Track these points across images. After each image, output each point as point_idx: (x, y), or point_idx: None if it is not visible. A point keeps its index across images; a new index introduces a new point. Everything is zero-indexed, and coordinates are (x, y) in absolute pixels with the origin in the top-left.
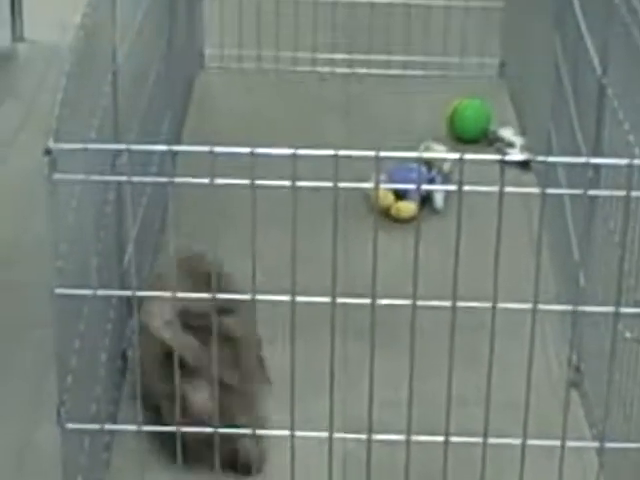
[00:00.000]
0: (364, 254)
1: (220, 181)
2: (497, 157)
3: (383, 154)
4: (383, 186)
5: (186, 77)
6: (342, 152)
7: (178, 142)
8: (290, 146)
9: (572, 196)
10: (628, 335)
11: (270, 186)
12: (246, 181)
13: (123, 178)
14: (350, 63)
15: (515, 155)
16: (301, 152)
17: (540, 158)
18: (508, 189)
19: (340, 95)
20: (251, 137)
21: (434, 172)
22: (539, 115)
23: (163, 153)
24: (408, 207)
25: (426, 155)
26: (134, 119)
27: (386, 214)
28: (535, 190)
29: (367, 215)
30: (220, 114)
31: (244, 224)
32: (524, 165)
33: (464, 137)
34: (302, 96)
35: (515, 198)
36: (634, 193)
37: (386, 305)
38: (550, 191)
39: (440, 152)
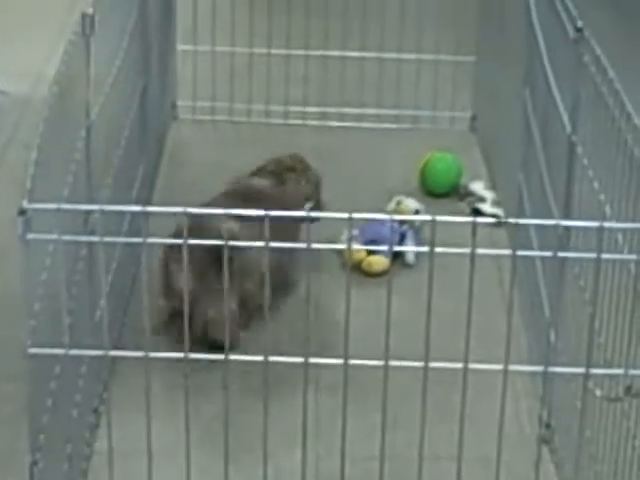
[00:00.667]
0: (337, 309)
1: (194, 242)
2: (469, 219)
3: (356, 215)
4: (354, 247)
5: (159, 128)
6: (313, 214)
7: (151, 195)
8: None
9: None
10: (598, 393)
11: (243, 246)
12: (221, 242)
13: (95, 239)
14: (322, 116)
15: (487, 217)
16: (273, 214)
17: (511, 220)
18: (480, 251)
19: (312, 148)
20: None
21: (406, 227)
22: (509, 169)
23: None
24: (380, 261)
25: (398, 217)
26: (108, 173)
27: (358, 268)
28: (506, 252)
29: (340, 270)
30: (192, 166)
31: None
32: (496, 219)
33: (435, 191)
34: (274, 148)
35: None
36: (604, 256)
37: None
38: (520, 253)
39: (412, 207)
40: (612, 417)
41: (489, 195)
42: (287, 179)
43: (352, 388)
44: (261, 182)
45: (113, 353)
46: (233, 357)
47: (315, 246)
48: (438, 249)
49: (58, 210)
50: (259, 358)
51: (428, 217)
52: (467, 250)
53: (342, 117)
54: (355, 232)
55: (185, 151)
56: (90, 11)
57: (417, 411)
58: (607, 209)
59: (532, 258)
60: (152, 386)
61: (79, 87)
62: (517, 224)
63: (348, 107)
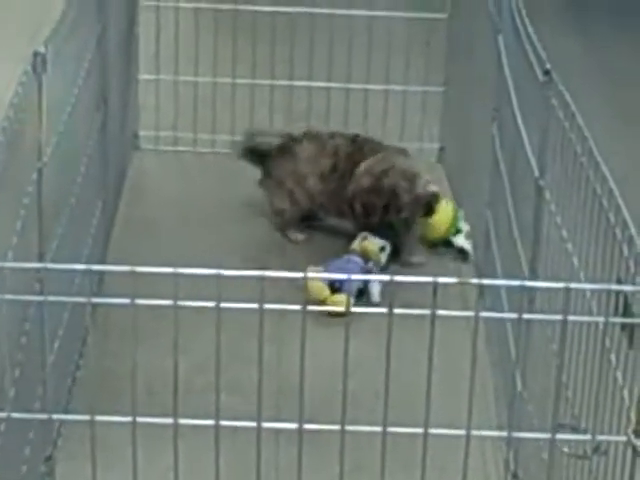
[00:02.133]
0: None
1: (142, 302)
2: (429, 279)
3: (310, 274)
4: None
5: (120, 159)
6: (268, 273)
7: (110, 232)
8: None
9: (510, 303)
10: (565, 450)
11: (194, 307)
12: (169, 302)
13: (39, 298)
14: None
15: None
16: (226, 273)
17: (475, 281)
18: (441, 312)
19: None
20: (185, 226)
21: (371, 263)
22: (477, 203)
23: (89, 259)
24: (343, 300)
25: (359, 277)
26: (63, 212)
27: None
28: (469, 314)
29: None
30: (154, 200)
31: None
32: (464, 254)
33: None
34: (239, 180)
35: (454, 297)
36: (571, 317)
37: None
38: (484, 314)
39: (377, 243)
40: (580, 473)
41: (465, 227)
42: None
43: (308, 440)
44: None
45: (57, 417)
46: (183, 422)
47: (267, 307)
48: (397, 310)
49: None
50: (210, 422)
51: (387, 277)
52: (427, 312)
53: None
54: (319, 269)
55: (146, 183)
56: (42, 50)
57: (377, 464)
58: (575, 261)
59: (501, 305)
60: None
61: (31, 128)
62: (481, 285)
63: None
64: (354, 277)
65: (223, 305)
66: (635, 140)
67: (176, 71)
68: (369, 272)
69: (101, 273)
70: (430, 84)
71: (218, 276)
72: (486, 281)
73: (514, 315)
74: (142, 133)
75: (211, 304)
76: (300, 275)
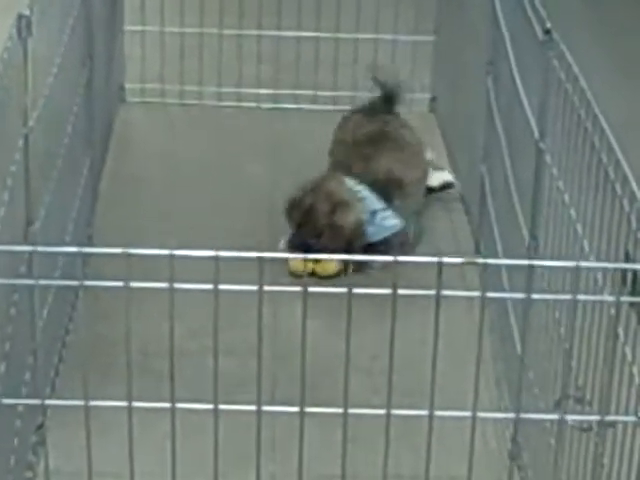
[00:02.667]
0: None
1: (136, 284)
2: (433, 259)
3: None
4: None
5: (106, 113)
6: (266, 254)
7: (97, 188)
8: (213, 191)
9: (511, 276)
10: (570, 422)
11: (191, 289)
12: (165, 284)
13: (30, 281)
14: (275, 98)
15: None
16: (223, 254)
17: (480, 260)
18: (446, 292)
19: (265, 131)
20: (172, 181)
21: None
22: (471, 156)
23: (77, 220)
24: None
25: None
26: (50, 175)
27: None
28: (475, 294)
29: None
30: (141, 155)
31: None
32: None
33: None
34: (226, 133)
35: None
36: (581, 297)
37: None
38: (491, 295)
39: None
40: (585, 447)
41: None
42: None
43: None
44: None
45: (49, 402)
46: (180, 406)
47: (267, 288)
48: (402, 291)
49: None
50: (209, 406)
51: (390, 258)
52: (432, 292)
53: (296, 99)
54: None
55: (133, 137)
56: (26, 12)
57: (381, 438)
58: (578, 228)
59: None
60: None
61: (17, 92)
62: (487, 264)
63: (302, 89)
64: (350, 257)
65: (221, 287)
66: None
67: (162, 22)
68: None
69: (89, 236)
70: (420, 33)
71: (216, 258)
72: (491, 260)
73: (521, 295)
74: (128, 85)
75: (208, 286)
76: (299, 256)
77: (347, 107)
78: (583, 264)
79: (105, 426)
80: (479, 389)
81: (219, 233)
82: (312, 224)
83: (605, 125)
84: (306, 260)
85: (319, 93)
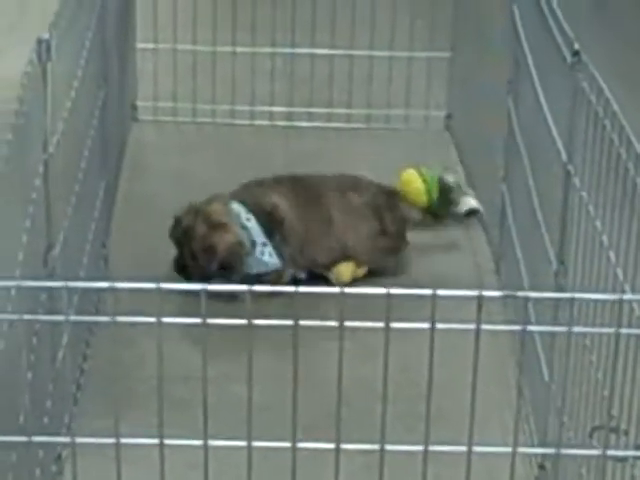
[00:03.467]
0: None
1: (122, 319)
2: (474, 293)
3: (347, 290)
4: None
5: (119, 132)
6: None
7: (112, 209)
8: None
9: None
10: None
11: (225, 325)
12: (197, 320)
13: (60, 318)
14: (289, 116)
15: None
16: (256, 289)
17: (520, 294)
18: (486, 327)
19: (280, 150)
20: (186, 201)
21: None
22: (489, 175)
23: (93, 243)
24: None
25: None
26: (69, 201)
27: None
28: (515, 327)
29: None
30: (154, 174)
31: None
32: (474, 212)
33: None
34: (239, 152)
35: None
36: (624, 331)
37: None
38: (532, 328)
39: None
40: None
41: (450, 179)
42: None
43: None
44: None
45: (80, 440)
46: (214, 443)
47: (302, 323)
48: (440, 325)
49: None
50: (242, 443)
51: (428, 291)
52: (471, 327)
53: (310, 117)
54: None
55: (146, 156)
56: (45, 36)
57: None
58: (611, 255)
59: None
60: None
61: (36, 117)
62: (526, 299)
63: (317, 107)
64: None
65: (210, 321)
66: None
67: (174, 39)
68: None
69: (104, 257)
70: (436, 49)
71: (203, 290)
72: (534, 294)
73: (563, 328)
74: (140, 104)
75: (197, 320)
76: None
77: (362, 125)
78: (626, 297)
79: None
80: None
81: None
82: (189, 245)
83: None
84: None
85: (333, 111)
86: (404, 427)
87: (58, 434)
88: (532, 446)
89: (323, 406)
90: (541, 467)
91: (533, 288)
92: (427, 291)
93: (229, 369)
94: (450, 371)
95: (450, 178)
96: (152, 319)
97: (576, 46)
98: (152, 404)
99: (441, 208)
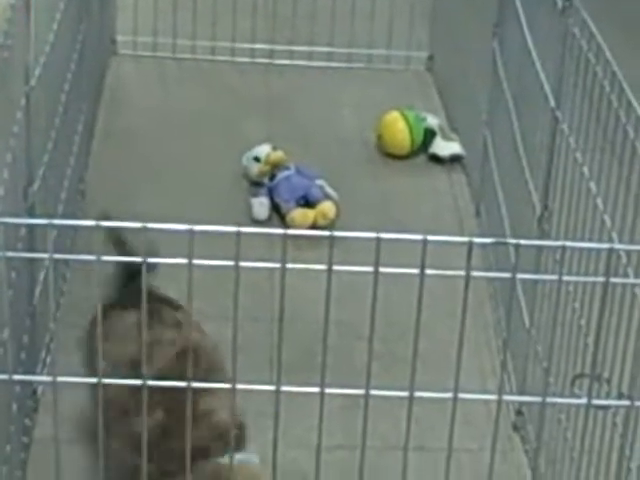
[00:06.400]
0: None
1: (108, 258)
2: (418, 237)
3: (337, 234)
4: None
5: (98, 66)
6: (244, 229)
7: (90, 144)
8: (208, 147)
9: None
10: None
11: (211, 265)
12: (183, 260)
13: (45, 255)
14: (271, 53)
15: (486, 240)
16: (245, 230)
17: (512, 241)
18: (475, 274)
19: (260, 87)
20: (164, 136)
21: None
22: (472, 118)
23: (72, 178)
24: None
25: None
26: (49, 134)
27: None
28: (504, 275)
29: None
30: (133, 110)
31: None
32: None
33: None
34: (220, 88)
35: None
36: (614, 280)
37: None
38: (521, 276)
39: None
40: (601, 426)
41: (433, 122)
42: None
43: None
44: None
45: (61, 379)
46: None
47: (289, 269)
48: (429, 271)
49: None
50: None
51: (372, 235)
52: (461, 273)
53: (292, 55)
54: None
55: (125, 91)
56: None
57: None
58: (599, 202)
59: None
60: None
61: (18, 50)
62: (518, 245)
63: (298, 45)
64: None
65: (195, 262)
66: None
67: None
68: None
69: (82, 192)
70: None
71: (190, 231)
72: (525, 242)
73: (554, 277)
74: (120, 38)
75: (183, 261)
76: (279, 231)
77: (343, 64)
78: (617, 246)
79: None
80: (484, 364)
81: (211, 189)
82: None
83: (633, 99)
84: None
85: (315, 49)
86: (381, 367)
87: (35, 369)
88: (511, 392)
89: (300, 345)
90: (518, 413)
91: (515, 232)
92: (417, 237)
93: (202, 307)
94: (429, 315)
95: (434, 121)
96: (138, 259)
97: None
98: None
99: (423, 152)
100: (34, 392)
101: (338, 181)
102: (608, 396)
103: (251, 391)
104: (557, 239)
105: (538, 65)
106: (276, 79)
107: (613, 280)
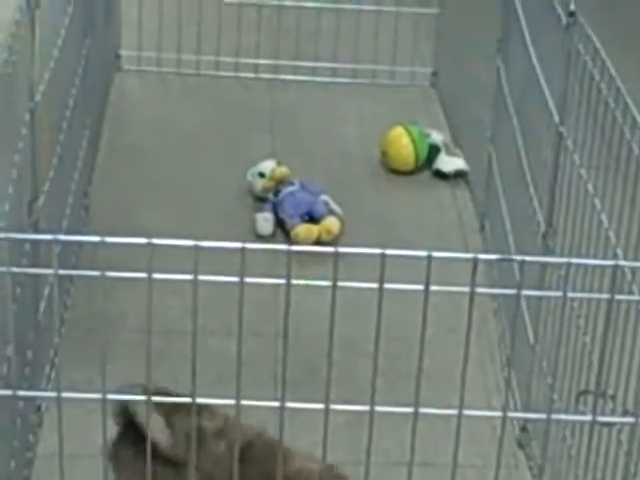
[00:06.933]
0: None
1: (112, 274)
2: (469, 256)
3: (342, 250)
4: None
5: (102, 81)
6: (249, 246)
7: (94, 159)
8: (212, 162)
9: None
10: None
11: (216, 282)
12: (189, 276)
13: (49, 271)
14: (275, 69)
15: (491, 256)
16: (250, 247)
17: (517, 258)
18: (480, 290)
19: (264, 103)
20: (169, 151)
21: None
22: (476, 134)
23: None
24: (310, 230)
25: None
26: (54, 150)
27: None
28: (509, 291)
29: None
30: (137, 125)
31: None
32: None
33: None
34: (224, 103)
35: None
36: (619, 296)
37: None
38: (527, 293)
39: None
40: (606, 442)
41: (438, 138)
42: None
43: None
44: None
45: (66, 395)
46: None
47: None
48: (434, 287)
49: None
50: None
51: (377, 251)
52: (465, 289)
53: (296, 70)
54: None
55: (129, 107)
56: None
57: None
58: (604, 219)
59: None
60: None
61: (23, 65)
62: (523, 262)
63: (302, 60)
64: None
65: (201, 277)
66: None
67: None
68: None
69: (86, 207)
70: (424, 5)
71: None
72: (529, 258)
73: (559, 293)
74: (124, 53)
75: (188, 277)
76: (284, 247)
77: (348, 79)
78: (622, 263)
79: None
80: (488, 381)
81: (216, 205)
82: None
83: (637, 115)
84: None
85: (319, 65)
86: (386, 383)
87: (39, 385)
88: (515, 408)
89: (305, 361)
90: (523, 429)
91: (519, 248)
92: (422, 253)
93: (206, 323)
94: (433, 331)
95: (438, 137)
96: (143, 275)
97: (572, 7)
98: (133, 356)
99: (427, 167)
100: (38, 408)
101: (342, 197)
102: (613, 413)
103: (255, 407)
104: (562, 255)
105: (542, 81)
106: (280, 94)
107: (618, 297)
